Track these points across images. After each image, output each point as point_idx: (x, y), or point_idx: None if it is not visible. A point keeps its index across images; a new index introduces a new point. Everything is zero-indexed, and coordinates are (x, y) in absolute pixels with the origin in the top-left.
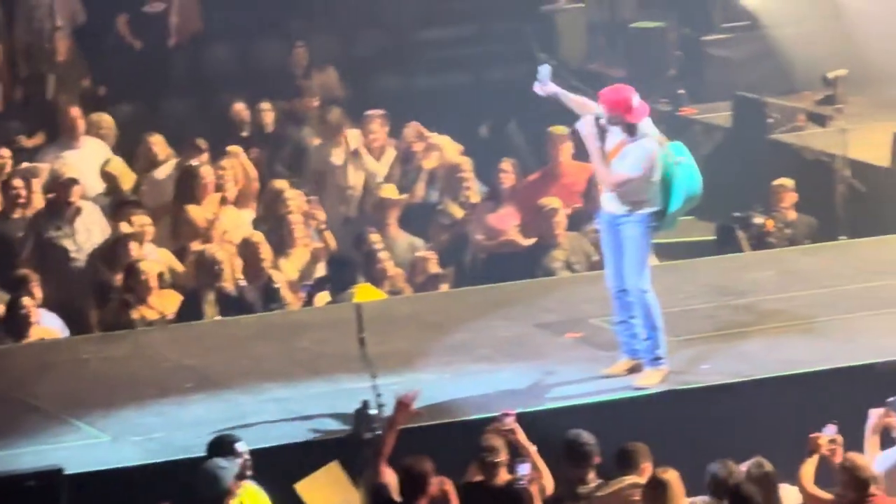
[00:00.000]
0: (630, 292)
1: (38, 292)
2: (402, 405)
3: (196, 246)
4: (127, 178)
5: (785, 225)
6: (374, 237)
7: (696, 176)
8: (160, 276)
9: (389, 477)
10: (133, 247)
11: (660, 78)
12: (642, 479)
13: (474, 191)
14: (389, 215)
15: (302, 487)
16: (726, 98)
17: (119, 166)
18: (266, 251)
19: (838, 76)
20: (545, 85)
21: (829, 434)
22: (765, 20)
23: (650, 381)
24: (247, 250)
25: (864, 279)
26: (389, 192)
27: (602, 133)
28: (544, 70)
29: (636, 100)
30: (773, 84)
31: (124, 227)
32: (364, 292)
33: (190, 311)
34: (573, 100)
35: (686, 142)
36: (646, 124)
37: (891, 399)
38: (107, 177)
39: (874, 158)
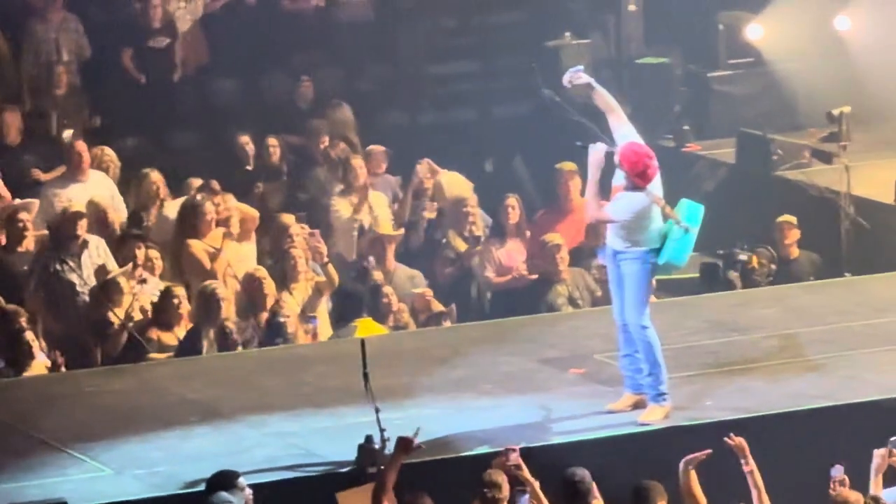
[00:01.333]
0: (630, 328)
1: (34, 326)
2: (403, 442)
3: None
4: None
5: (786, 262)
6: (376, 272)
7: (689, 249)
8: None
9: None
10: (125, 283)
11: (664, 114)
12: None
13: (479, 226)
14: (388, 250)
15: (343, 498)
16: (731, 134)
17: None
18: (269, 286)
19: (843, 113)
20: (577, 74)
21: (836, 475)
22: (769, 56)
23: (654, 417)
24: (251, 285)
25: (867, 316)
26: (386, 227)
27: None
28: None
29: (653, 165)
30: (778, 120)
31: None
32: (366, 327)
33: (189, 346)
34: (602, 96)
35: (690, 178)
36: (653, 183)
37: (894, 438)
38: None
39: (878, 195)
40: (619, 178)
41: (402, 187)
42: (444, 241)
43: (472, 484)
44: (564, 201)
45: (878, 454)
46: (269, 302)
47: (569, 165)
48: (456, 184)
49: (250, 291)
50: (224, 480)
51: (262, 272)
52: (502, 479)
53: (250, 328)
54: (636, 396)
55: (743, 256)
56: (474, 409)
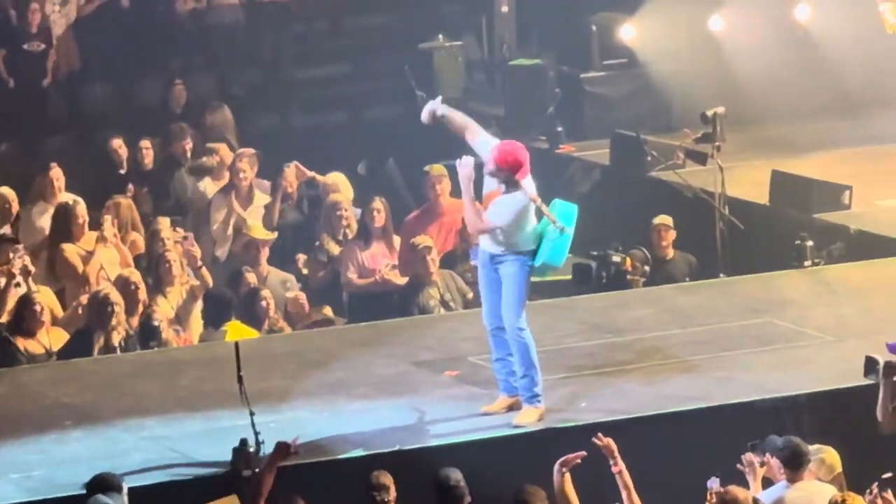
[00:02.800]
0: (506, 331)
1: None
2: (281, 446)
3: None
4: None
5: (662, 263)
6: (250, 276)
7: (565, 250)
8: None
9: None
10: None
11: (538, 115)
12: None
13: (353, 228)
14: (261, 254)
15: None
16: (605, 136)
17: None
18: (143, 290)
19: (717, 113)
20: (436, 109)
21: (713, 486)
22: (643, 57)
23: (528, 419)
24: (124, 288)
25: (742, 317)
26: (258, 231)
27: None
28: (437, 101)
29: (527, 156)
30: (652, 122)
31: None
32: (235, 330)
33: (78, 350)
34: (453, 119)
35: (565, 180)
36: (527, 181)
37: (754, 442)
38: None
39: (753, 196)
40: (490, 185)
41: (271, 190)
42: (317, 244)
43: (347, 487)
44: (434, 204)
45: (745, 460)
46: (141, 306)
47: (438, 168)
48: (336, 186)
49: (123, 295)
50: (105, 483)
51: (136, 276)
52: (389, 480)
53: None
54: (510, 399)
55: (616, 258)
56: (349, 413)
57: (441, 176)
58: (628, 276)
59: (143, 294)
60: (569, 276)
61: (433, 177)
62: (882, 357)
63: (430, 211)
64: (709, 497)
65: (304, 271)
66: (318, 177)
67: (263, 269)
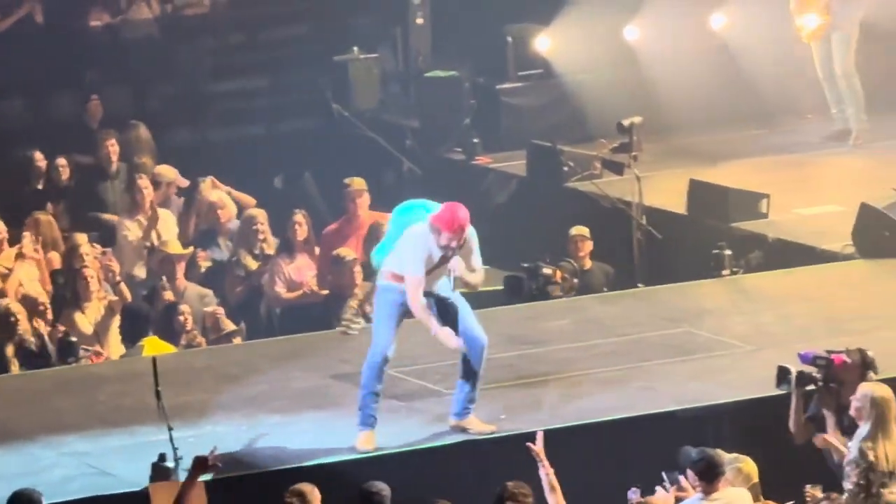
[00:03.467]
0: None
1: None
2: (199, 460)
3: None
4: None
5: (580, 274)
6: (167, 292)
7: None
8: None
9: None
10: None
11: (454, 127)
12: None
13: (270, 243)
14: (177, 269)
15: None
16: (521, 147)
17: None
18: (49, 312)
19: (633, 123)
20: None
21: (633, 498)
22: (558, 68)
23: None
24: (32, 307)
25: (661, 327)
26: (174, 247)
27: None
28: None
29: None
30: (568, 132)
31: None
32: (152, 346)
33: None
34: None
35: (480, 191)
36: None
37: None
38: None
39: (670, 205)
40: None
41: (186, 206)
42: (234, 259)
43: (266, 500)
44: (353, 217)
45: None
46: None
47: (358, 182)
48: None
49: (30, 313)
50: (23, 499)
51: (45, 297)
52: (309, 488)
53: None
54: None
55: (547, 270)
56: (267, 426)
57: (362, 190)
58: (558, 289)
59: (49, 315)
60: (499, 288)
61: (354, 190)
62: (794, 367)
63: (349, 223)
64: None
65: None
66: (234, 192)
67: (181, 284)
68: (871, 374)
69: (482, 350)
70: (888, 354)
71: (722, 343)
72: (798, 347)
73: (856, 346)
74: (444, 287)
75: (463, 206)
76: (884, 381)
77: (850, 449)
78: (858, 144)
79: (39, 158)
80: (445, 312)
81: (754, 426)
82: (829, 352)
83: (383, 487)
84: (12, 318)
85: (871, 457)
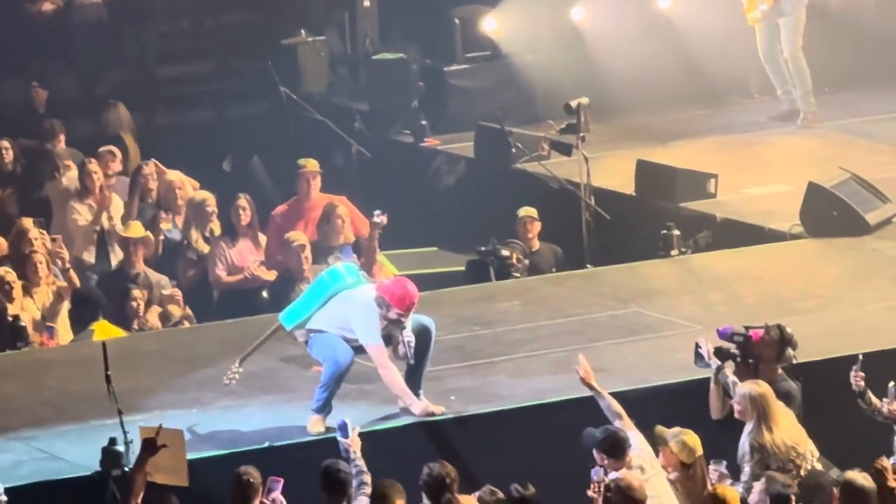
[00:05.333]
0: None
1: None
2: (148, 444)
3: None
4: None
5: (529, 254)
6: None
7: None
8: None
9: None
10: None
11: (402, 109)
12: None
13: (217, 226)
14: (135, 253)
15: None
16: (469, 128)
17: None
18: (18, 290)
19: (581, 104)
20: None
21: (596, 477)
22: (506, 49)
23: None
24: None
25: (609, 307)
26: (135, 230)
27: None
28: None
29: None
30: (516, 113)
31: None
32: (103, 330)
33: None
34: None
35: (429, 173)
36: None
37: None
38: None
39: (618, 186)
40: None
41: (130, 188)
42: (185, 242)
43: (218, 484)
44: (304, 199)
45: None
46: (16, 306)
47: (312, 164)
48: (186, 184)
49: None
50: None
51: (12, 275)
52: (257, 475)
53: None
54: None
55: (505, 252)
56: (218, 410)
57: (316, 172)
58: (513, 271)
59: (17, 293)
60: (459, 269)
61: (308, 172)
62: (710, 344)
63: (300, 205)
64: (594, 487)
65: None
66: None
67: (139, 269)
68: (790, 351)
69: (430, 336)
70: (834, 333)
71: (671, 323)
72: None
73: (803, 329)
74: None
75: (411, 281)
76: (835, 360)
77: (740, 446)
78: (806, 125)
79: None
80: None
81: (702, 406)
82: (748, 328)
83: (346, 466)
84: None
85: (768, 446)
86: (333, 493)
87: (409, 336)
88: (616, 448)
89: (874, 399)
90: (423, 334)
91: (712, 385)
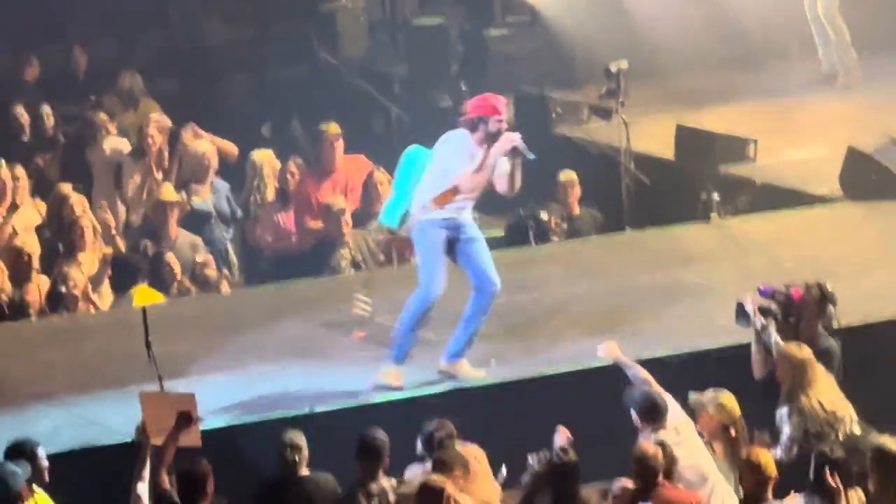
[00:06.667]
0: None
1: None
2: (181, 416)
3: None
4: None
5: (569, 219)
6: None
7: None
8: None
9: (169, 484)
10: None
11: (442, 74)
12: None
13: (272, 190)
14: (170, 217)
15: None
16: (509, 93)
17: None
18: (35, 259)
19: (620, 69)
20: None
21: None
22: (545, 14)
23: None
24: (16, 258)
25: (650, 271)
26: (168, 193)
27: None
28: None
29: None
30: (556, 78)
31: None
32: (143, 295)
33: None
34: None
35: None
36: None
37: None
38: None
39: (658, 151)
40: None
41: (170, 155)
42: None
43: (257, 449)
44: (329, 162)
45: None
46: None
47: (334, 127)
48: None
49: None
50: (20, 450)
51: (31, 246)
52: (302, 441)
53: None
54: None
55: (544, 215)
56: (258, 375)
57: (338, 135)
58: (552, 234)
59: (35, 264)
60: (500, 234)
61: (331, 135)
62: (754, 303)
63: (324, 169)
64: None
65: None
66: (216, 140)
67: (172, 232)
68: (831, 308)
69: (493, 294)
70: (874, 296)
71: (710, 287)
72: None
73: (842, 293)
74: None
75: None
76: (874, 324)
77: (779, 409)
78: (846, 86)
79: (23, 111)
80: (466, 249)
81: (741, 372)
82: (788, 286)
83: (382, 435)
84: None
85: (807, 410)
86: (370, 460)
87: (517, 138)
88: (653, 412)
89: None
90: (485, 288)
91: (754, 344)
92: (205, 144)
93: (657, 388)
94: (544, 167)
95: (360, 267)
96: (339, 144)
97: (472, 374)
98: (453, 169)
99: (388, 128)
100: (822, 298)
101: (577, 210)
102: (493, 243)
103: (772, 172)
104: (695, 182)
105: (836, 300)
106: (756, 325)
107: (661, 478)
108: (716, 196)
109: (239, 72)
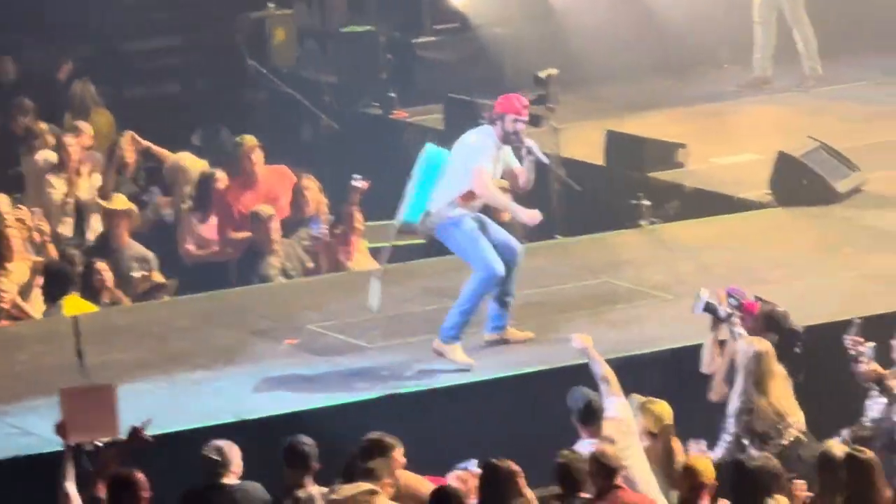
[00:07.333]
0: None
1: None
2: (135, 433)
3: None
4: None
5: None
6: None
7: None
8: None
9: (104, 492)
10: None
11: (371, 82)
12: (378, 487)
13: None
14: (119, 225)
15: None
16: (438, 100)
17: None
18: None
19: (550, 75)
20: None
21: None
22: (474, 21)
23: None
24: None
25: (580, 278)
26: (118, 202)
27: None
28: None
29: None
30: (485, 85)
31: None
32: (73, 304)
33: None
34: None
35: (399, 146)
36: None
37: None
38: None
39: (588, 157)
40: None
41: (106, 162)
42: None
43: (187, 459)
44: (250, 174)
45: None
46: None
47: (249, 139)
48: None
49: None
50: None
51: None
52: (231, 450)
53: None
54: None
55: None
56: (189, 384)
57: (254, 146)
58: None
59: None
60: (421, 242)
61: (248, 147)
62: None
63: (246, 180)
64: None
65: None
66: (153, 147)
67: (122, 241)
68: (772, 335)
69: (518, 254)
70: (805, 301)
71: (641, 293)
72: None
73: (773, 298)
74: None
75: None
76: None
77: (729, 403)
78: (807, 88)
79: None
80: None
81: (673, 376)
82: (758, 298)
83: (309, 441)
84: None
85: (757, 409)
86: (297, 467)
87: (529, 142)
88: (586, 414)
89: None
90: (511, 252)
91: (709, 339)
92: (185, 156)
93: (615, 388)
94: None
95: (290, 276)
96: (258, 156)
97: (522, 336)
98: (475, 159)
99: (318, 135)
100: (767, 322)
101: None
102: (420, 251)
103: (702, 178)
104: (625, 188)
105: (785, 327)
106: (721, 315)
107: (618, 479)
108: (646, 202)
109: (168, 80)
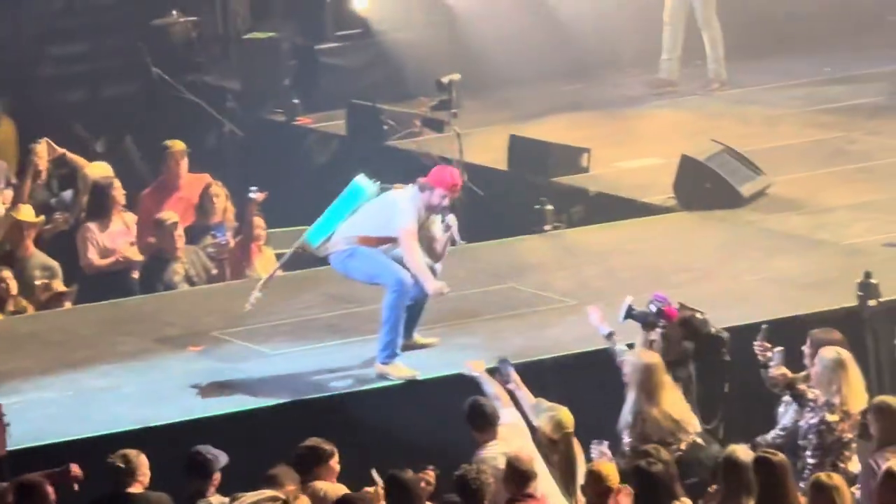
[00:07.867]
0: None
1: None
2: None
3: None
4: None
5: None
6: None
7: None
8: None
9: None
10: None
11: (274, 88)
12: (281, 494)
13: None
14: (26, 236)
15: None
16: (341, 106)
17: None
18: None
19: (452, 80)
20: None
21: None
22: (377, 27)
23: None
24: None
25: (484, 283)
26: (26, 214)
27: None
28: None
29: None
30: (388, 91)
31: None
32: None
33: None
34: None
35: (303, 152)
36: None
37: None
38: None
39: (491, 161)
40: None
41: (20, 170)
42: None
43: (93, 466)
44: (173, 179)
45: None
46: None
47: (179, 144)
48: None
49: None
50: None
51: None
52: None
53: None
54: None
55: None
56: (92, 391)
57: (183, 152)
58: None
59: None
60: None
61: (176, 153)
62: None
63: (168, 186)
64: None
65: None
66: (69, 154)
67: (28, 253)
68: (686, 345)
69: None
70: (712, 304)
71: (545, 298)
72: (622, 301)
73: (684, 302)
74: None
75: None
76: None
77: (622, 415)
78: (714, 92)
79: None
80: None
81: (577, 381)
82: (682, 305)
83: (213, 450)
84: None
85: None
86: (199, 476)
87: (451, 219)
88: (478, 420)
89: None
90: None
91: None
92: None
93: (506, 402)
94: (377, 180)
95: (194, 282)
96: (184, 162)
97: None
98: (401, 219)
99: (221, 142)
100: (683, 329)
101: None
102: (313, 259)
103: (606, 182)
104: (529, 192)
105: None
106: (643, 321)
107: (532, 488)
108: (550, 206)
109: (72, 87)
